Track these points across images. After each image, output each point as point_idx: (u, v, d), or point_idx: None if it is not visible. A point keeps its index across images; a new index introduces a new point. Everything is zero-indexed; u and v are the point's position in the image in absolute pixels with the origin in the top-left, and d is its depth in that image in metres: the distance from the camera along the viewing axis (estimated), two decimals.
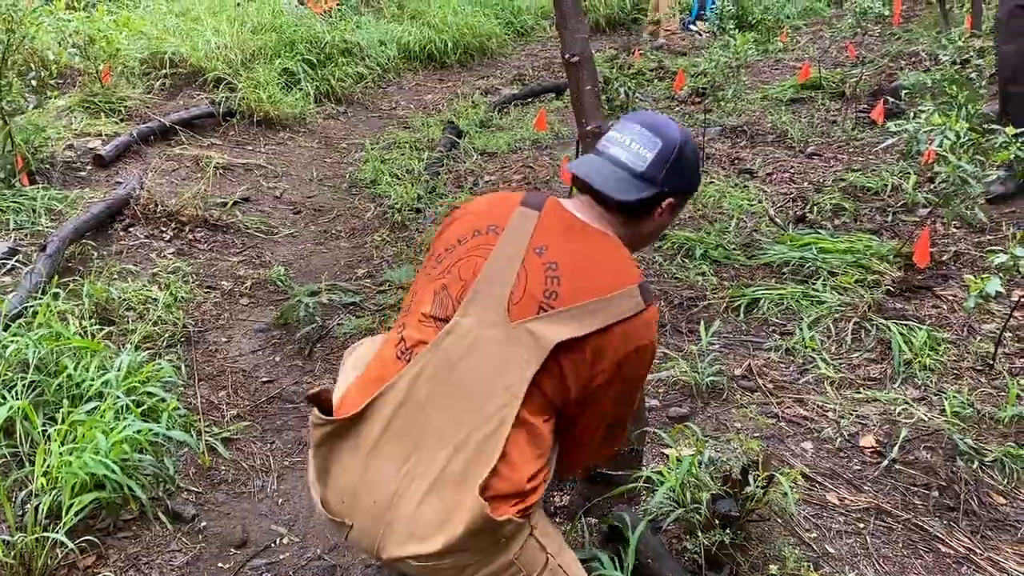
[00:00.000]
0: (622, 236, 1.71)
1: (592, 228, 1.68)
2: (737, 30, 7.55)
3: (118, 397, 2.64)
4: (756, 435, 2.75)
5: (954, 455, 2.60)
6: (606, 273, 1.59)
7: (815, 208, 4.46)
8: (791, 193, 4.79)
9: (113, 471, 2.31)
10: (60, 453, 2.31)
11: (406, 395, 1.54)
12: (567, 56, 2.28)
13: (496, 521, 1.45)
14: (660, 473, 2.32)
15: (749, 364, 3.11)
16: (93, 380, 2.71)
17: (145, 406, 2.71)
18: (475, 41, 8.07)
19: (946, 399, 2.84)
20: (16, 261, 3.67)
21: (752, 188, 4.89)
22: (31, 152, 4.31)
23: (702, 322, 3.31)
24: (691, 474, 2.24)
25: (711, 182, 4.96)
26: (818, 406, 2.89)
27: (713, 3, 9.88)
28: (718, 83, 5.79)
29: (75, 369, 2.75)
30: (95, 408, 2.58)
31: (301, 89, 6.32)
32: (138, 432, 2.49)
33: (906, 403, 2.87)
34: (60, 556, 2.22)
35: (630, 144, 1.70)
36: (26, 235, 3.91)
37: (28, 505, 2.25)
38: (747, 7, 9.55)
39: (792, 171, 5.18)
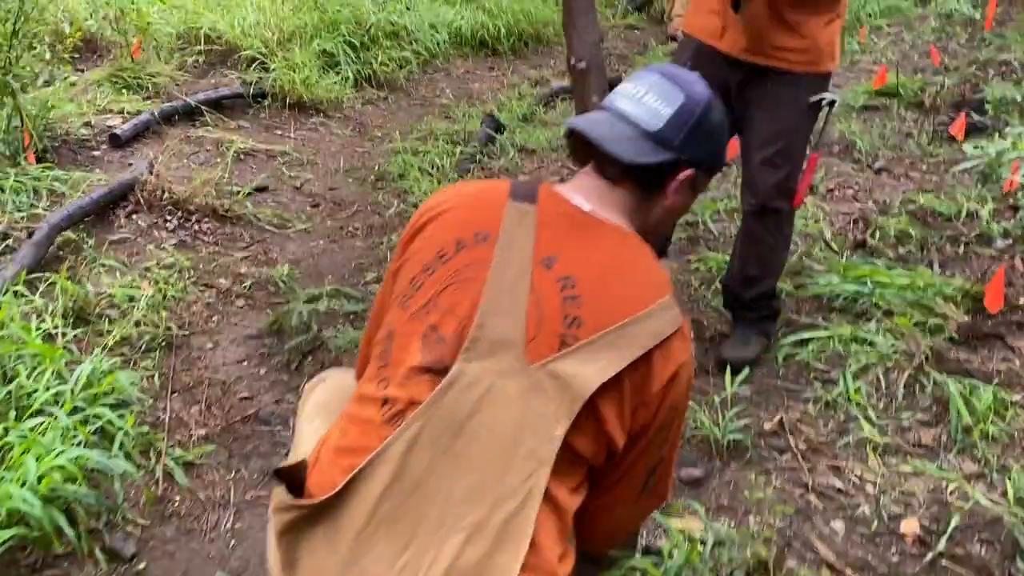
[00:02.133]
0: (636, 226, 1.40)
1: (605, 223, 1.36)
2: None
3: (69, 414, 2.40)
4: (779, 508, 2.37)
5: (1014, 553, 2.19)
6: (636, 284, 1.29)
7: (877, 233, 4.02)
8: (853, 214, 4.34)
9: (33, 506, 2.05)
10: None
11: (398, 468, 1.18)
12: (573, 62, 1.93)
13: None
14: (658, 554, 1.98)
15: (782, 419, 2.72)
16: (45, 391, 2.47)
17: (99, 423, 2.46)
18: (530, 28, 7.69)
19: (1009, 480, 2.42)
20: (6, 246, 3.47)
21: (810, 205, 4.45)
22: (40, 129, 4.12)
23: (730, 364, 2.92)
24: (690, 564, 1.89)
25: None
26: (856, 476, 2.49)
27: None
28: None
29: (28, 378, 2.52)
30: (40, 425, 2.34)
31: (340, 72, 6.04)
32: (76, 459, 2.23)
33: (961, 480, 2.45)
34: None
35: (644, 97, 1.38)
36: (23, 218, 3.71)
37: None
38: None
39: (857, 188, 4.72)
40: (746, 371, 2.78)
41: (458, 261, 1.31)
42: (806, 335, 3.15)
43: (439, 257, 1.34)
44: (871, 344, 3.08)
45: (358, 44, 6.32)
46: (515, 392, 1.20)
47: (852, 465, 2.53)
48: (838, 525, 2.32)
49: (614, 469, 1.30)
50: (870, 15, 8.94)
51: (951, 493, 2.41)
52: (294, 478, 1.27)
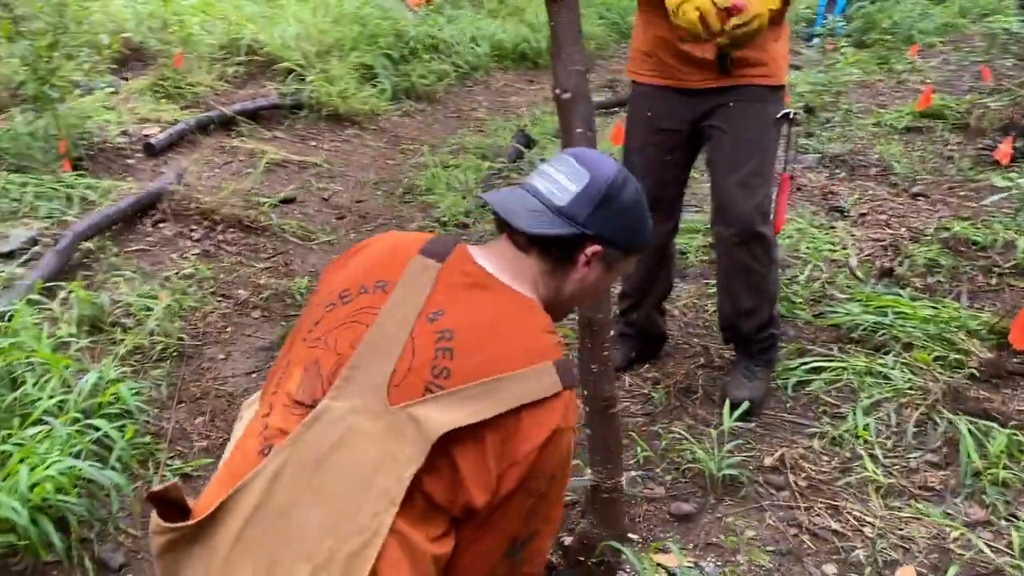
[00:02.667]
0: (544, 295, 1.45)
1: (503, 286, 1.40)
2: (850, 47, 6.91)
3: (71, 423, 2.45)
4: (770, 548, 2.31)
5: None
6: (513, 345, 1.32)
7: (906, 261, 3.91)
8: (883, 240, 4.22)
9: (20, 515, 2.10)
10: None
11: (262, 497, 1.24)
12: (558, 92, 1.91)
13: None
14: None
15: (783, 454, 2.65)
16: (49, 400, 2.53)
17: (98, 434, 2.51)
18: None
19: (1016, 529, 2.32)
20: (35, 252, 3.58)
21: (840, 230, 4.36)
22: (76, 138, 4.24)
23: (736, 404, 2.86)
24: None
25: (792, 219, 4.44)
26: (855, 517, 2.42)
27: (842, 11, 9.15)
28: (819, 105, 5.24)
29: (34, 386, 2.59)
30: (39, 433, 2.40)
31: (377, 85, 6.11)
32: (69, 469, 2.28)
33: (965, 527, 2.36)
34: None
35: (555, 175, 1.46)
36: (53, 224, 3.82)
37: None
38: (877, 20, 8.80)
39: (890, 213, 4.60)
40: (745, 404, 2.71)
41: (355, 304, 1.38)
42: (819, 365, 3.08)
43: (341, 297, 1.40)
44: (886, 378, 2.99)
45: (397, 57, 6.39)
46: (374, 432, 1.24)
47: (851, 506, 2.46)
48: (830, 569, 2.25)
49: (481, 526, 1.30)
50: (923, 32, 8.74)
51: (953, 540, 2.32)
52: (167, 500, 1.31)
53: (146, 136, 4.75)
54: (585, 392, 1.99)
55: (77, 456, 2.38)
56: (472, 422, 1.22)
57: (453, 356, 1.28)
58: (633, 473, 2.56)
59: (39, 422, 2.44)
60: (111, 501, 2.43)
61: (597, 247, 1.43)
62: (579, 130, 1.90)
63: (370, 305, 1.36)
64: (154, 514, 1.29)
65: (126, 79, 5.63)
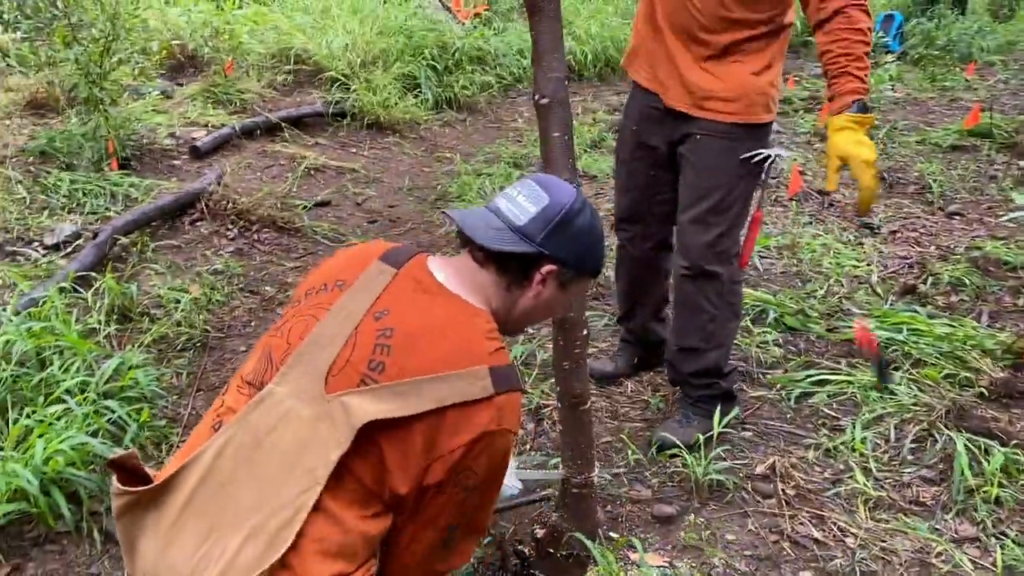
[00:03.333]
0: (498, 308, 1.55)
1: (450, 294, 1.49)
2: (895, 63, 6.81)
3: (89, 402, 2.61)
4: (748, 553, 2.33)
5: None
6: (449, 348, 1.40)
7: (931, 279, 3.86)
8: (910, 258, 4.18)
9: (31, 484, 2.25)
10: None
11: (208, 469, 1.36)
12: (536, 98, 1.99)
13: None
14: None
15: (775, 463, 2.67)
16: (72, 380, 2.69)
17: (115, 415, 2.66)
18: (617, 55, 7.74)
19: (1002, 548, 2.30)
20: (77, 245, 3.79)
21: (868, 246, 4.33)
22: (124, 139, 4.46)
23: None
24: None
25: (819, 235, 4.43)
26: (839, 528, 2.42)
27: (899, 31, 9.02)
28: None
29: (60, 368, 2.75)
30: (59, 412, 2.56)
31: (419, 95, 6.25)
32: (82, 445, 2.43)
33: (952, 542, 2.35)
34: None
35: (517, 197, 1.55)
36: (96, 219, 4.03)
37: None
38: (933, 37, 8.65)
39: (922, 231, 4.55)
40: (735, 411, 2.73)
41: (315, 299, 1.50)
42: (824, 378, 3.08)
43: (306, 294, 1.53)
44: (892, 394, 2.97)
45: (441, 68, 6.53)
46: (307, 417, 1.34)
47: (837, 516, 2.46)
48: None
49: (416, 516, 1.40)
50: (983, 50, 8.56)
51: (937, 555, 2.31)
52: (128, 469, 1.43)
53: (193, 139, 4.96)
54: (557, 388, 2.05)
55: (94, 435, 2.54)
56: (397, 416, 1.32)
57: (390, 353, 1.37)
58: (616, 471, 2.60)
59: (59, 401, 2.60)
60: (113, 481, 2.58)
61: (551, 266, 1.51)
62: (556, 134, 1.97)
63: (325, 301, 1.48)
64: (114, 478, 1.41)
65: (180, 84, 5.88)
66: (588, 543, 1.96)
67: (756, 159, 2.49)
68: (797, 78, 7.75)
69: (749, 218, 2.63)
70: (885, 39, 8.55)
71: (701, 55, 2.49)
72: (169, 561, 1.34)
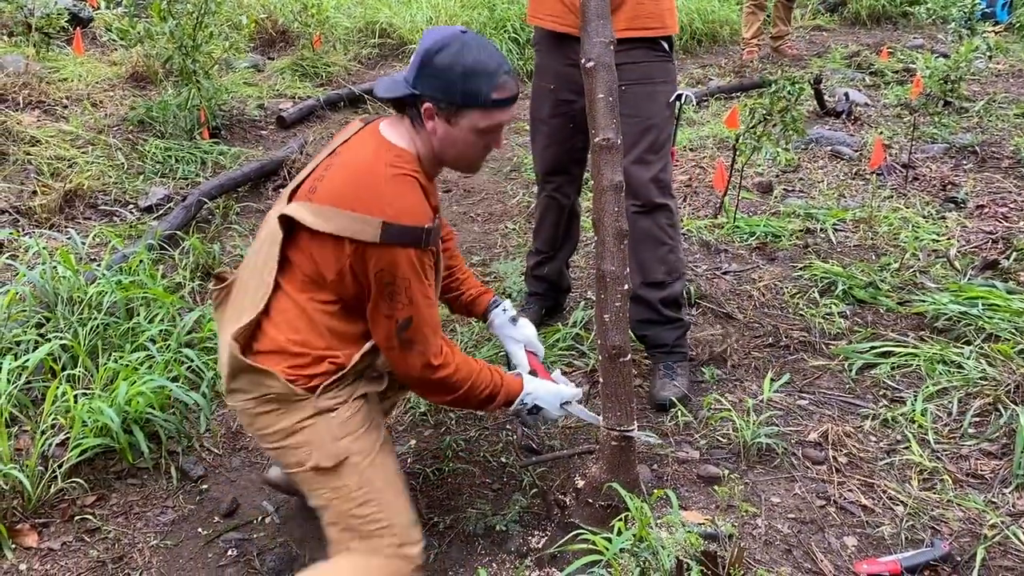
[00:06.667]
0: (420, 150, 1.83)
1: (381, 138, 1.81)
2: (992, 32, 6.49)
3: (165, 348, 2.80)
4: (791, 516, 2.33)
5: None
6: (358, 193, 1.72)
7: (1014, 255, 3.72)
8: (995, 232, 4.03)
9: (113, 422, 2.44)
10: (75, 396, 2.49)
11: (240, 272, 1.94)
12: (583, 61, 2.03)
13: (244, 362, 1.75)
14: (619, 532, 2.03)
15: (828, 430, 2.65)
16: (156, 329, 2.89)
17: (193, 363, 2.84)
18: (704, 27, 7.63)
19: None
20: (168, 207, 4.02)
21: (951, 221, 4.19)
22: (216, 109, 4.68)
23: (770, 371, 2.88)
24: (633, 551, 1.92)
25: (899, 208, 4.31)
26: (888, 496, 2.40)
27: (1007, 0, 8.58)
28: (942, 93, 5.00)
29: (145, 318, 2.95)
30: (142, 357, 2.75)
31: None
32: (160, 388, 2.61)
33: (1009, 515, 2.30)
34: (53, 492, 2.39)
35: (413, 56, 1.83)
36: (187, 184, 4.26)
37: (37, 441, 2.44)
38: None
39: (1012, 206, 4.37)
40: (786, 377, 2.71)
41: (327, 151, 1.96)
42: (889, 350, 3.02)
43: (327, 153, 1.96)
44: (959, 367, 2.90)
45: (523, 41, 6.56)
46: (273, 221, 1.81)
47: (888, 484, 2.43)
48: (850, 541, 2.25)
49: (367, 301, 1.79)
50: None
51: (990, 527, 2.26)
52: (223, 278, 2.00)
53: (280, 110, 5.16)
54: (598, 341, 2.10)
55: (173, 380, 2.72)
56: (311, 227, 1.72)
57: (324, 180, 1.78)
58: (664, 431, 2.64)
59: (143, 348, 2.79)
60: (199, 422, 2.76)
61: (429, 104, 1.76)
62: (600, 95, 2.01)
63: (325, 150, 1.95)
64: (212, 283, 2.02)
65: (271, 58, 6.11)
66: (623, 492, 2.00)
67: (675, 98, 2.73)
68: (891, 49, 7.48)
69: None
70: (991, 9, 8.15)
71: None
72: (223, 340, 1.84)
